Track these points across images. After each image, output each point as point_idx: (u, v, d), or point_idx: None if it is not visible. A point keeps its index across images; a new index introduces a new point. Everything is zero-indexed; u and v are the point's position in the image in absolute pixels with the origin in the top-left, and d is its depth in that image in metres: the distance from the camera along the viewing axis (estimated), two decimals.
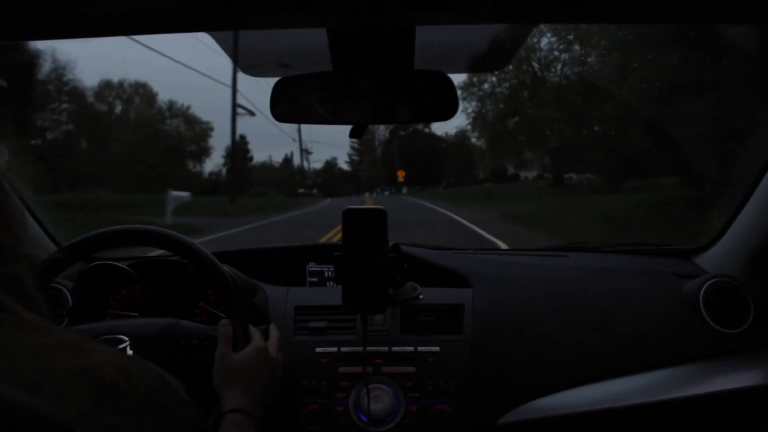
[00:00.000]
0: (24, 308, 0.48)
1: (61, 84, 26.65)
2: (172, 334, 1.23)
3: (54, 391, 0.41)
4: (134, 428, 0.44)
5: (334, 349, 1.45)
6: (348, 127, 1.13)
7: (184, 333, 1.23)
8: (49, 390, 0.41)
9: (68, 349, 0.45)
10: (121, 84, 37.63)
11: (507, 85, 32.31)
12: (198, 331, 1.25)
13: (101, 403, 0.43)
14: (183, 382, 1.21)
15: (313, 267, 1.81)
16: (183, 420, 0.51)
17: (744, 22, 0.87)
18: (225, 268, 1.30)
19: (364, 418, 1.38)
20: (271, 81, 1.09)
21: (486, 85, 34.20)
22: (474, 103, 35.70)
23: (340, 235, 1.30)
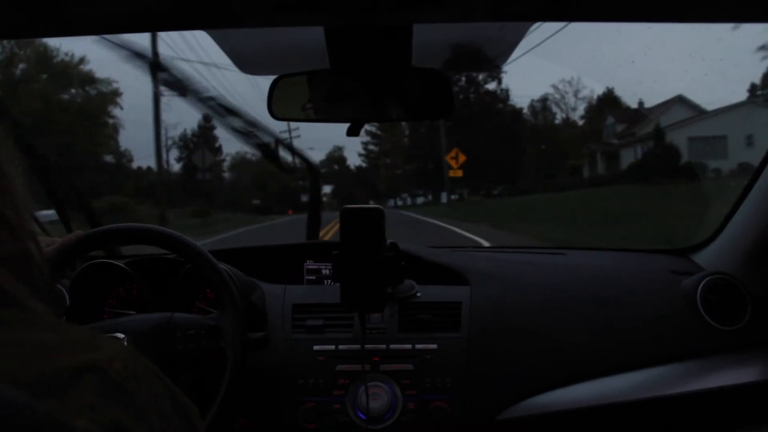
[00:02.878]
0: (31, 297, 0.47)
1: None
2: (168, 326, 1.24)
3: (59, 388, 0.41)
4: (142, 424, 0.44)
5: (332, 347, 1.45)
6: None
7: (180, 325, 1.24)
8: (53, 387, 0.40)
9: (75, 345, 0.45)
10: None
11: None
12: (193, 321, 1.26)
13: (107, 398, 0.43)
14: (181, 372, 1.24)
15: (310, 265, 1.81)
16: (181, 425, 0.51)
17: (743, 21, 0.87)
18: (222, 266, 1.30)
19: (362, 416, 1.39)
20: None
21: None
22: None
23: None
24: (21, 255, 0.50)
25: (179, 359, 1.22)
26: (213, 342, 1.23)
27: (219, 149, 49.40)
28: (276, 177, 50.90)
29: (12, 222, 0.50)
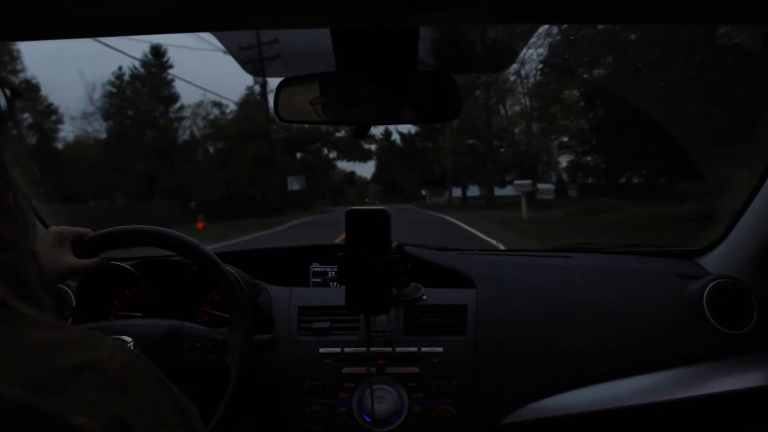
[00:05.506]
0: (25, 304, 0.47)
1: None
2: (176, 335, 1.23)
3: (58, 386, 0.41)
4: (141, 421, 0.44)
5: (338, 349, 1.45)
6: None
7: (188, 335, 1.24)
8: (53, 385, 0.41)
9: (73, 344, 0.45)
10: None
11: None
12: (202, 333, 1.25)
13: (107, 395, 0.43)
14: (184, 383, 1.23)
15: (316, 267, 1.81)
16: (179, 422, 0.51)
17: (745, 22, 0.87)
18: (228, 268, 1.30)
19: (368, 419, 1.39)
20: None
21: None
22: None
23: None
24: (11, 271, 0.50)
25: (183, 370, 1.21)
26: (218, 357, 1.22)
27: (174, 98, 31.51)
28: (252, 141, 30.79)
29: (7, 239, 0.50)
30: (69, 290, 1.58)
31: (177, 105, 31.94)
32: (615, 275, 1.69)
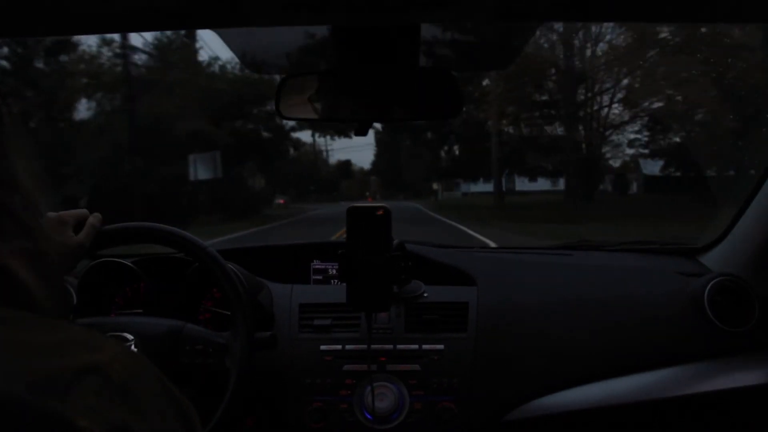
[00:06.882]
0: (43, 292, 0.47)
1: None
2: (178, 336, 1.23)
3: (61, 390, 0.40)
4: (143, 425, 0.44)
5: (339, 346, 1.46)
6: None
7: (190, 337, 1.23)
8: (55, 388, 0.40)
9: (75, 346, 0.45)
10: None
11: None
12: (203, 336, 1.24)
13: (109, 399, 0.42)
14: (184, 386, 1.23)
15: (317, 265, 1.82)
16: (180, 426, 0.51)
17: (747, 21, 0.87)
18: (230, 265, 1.30)
19: (369, 416, 1.39)
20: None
21: None
22: None
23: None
24: (35, 251, 0.50)
25: (183, 373, 1.20)
26: (218, 361, 1.22)
27: (69, 43, 17.61)
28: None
29: (27, 221, 0.50)
30: (70, 287, 1.59)
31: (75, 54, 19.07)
32: (616, 273, 1.69)
